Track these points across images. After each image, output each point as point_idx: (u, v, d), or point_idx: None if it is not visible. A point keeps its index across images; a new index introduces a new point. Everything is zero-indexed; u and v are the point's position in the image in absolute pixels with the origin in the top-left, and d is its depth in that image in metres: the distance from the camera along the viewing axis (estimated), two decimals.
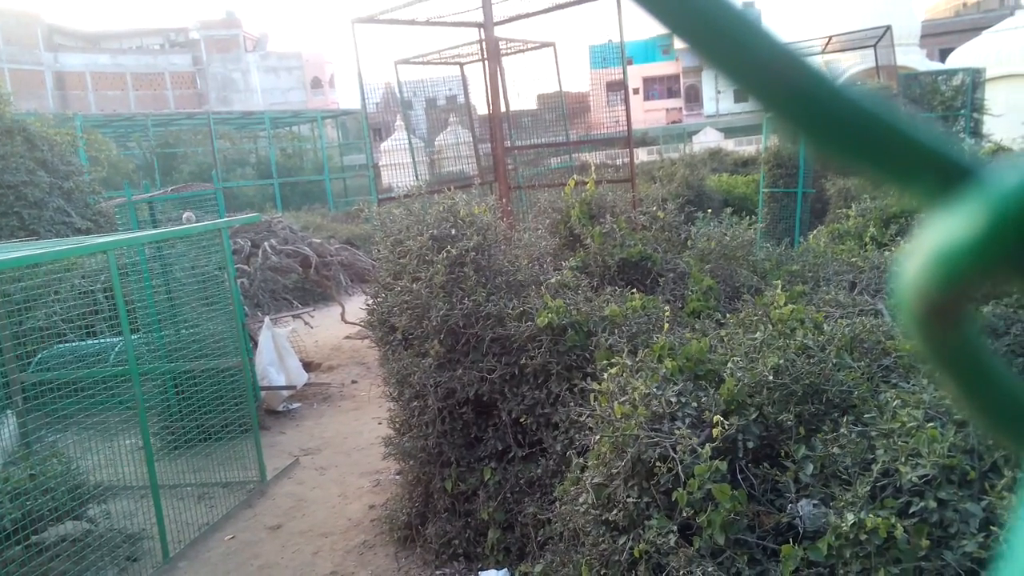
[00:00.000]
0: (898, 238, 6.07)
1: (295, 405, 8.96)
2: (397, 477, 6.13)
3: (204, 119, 30.33)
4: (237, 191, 28.95)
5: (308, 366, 10.13)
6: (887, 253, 5.48)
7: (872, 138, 0.16)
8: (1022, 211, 0.15)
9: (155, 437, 6.52)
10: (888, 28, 15.76)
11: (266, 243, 12.01)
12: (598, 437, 3.65)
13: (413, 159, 12.39)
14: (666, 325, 4.37)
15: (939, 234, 0.16)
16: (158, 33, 62.82)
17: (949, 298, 0.16)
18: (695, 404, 3.53)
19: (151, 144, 29.71)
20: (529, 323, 4.79)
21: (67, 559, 5.03)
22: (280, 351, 8.92)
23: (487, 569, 4.74)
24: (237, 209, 22.48)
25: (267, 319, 9.35)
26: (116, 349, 7.04)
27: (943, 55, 34.06)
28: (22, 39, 51.05)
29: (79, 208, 14.21)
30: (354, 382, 9.85)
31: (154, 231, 6.98)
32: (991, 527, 2.75)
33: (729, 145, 34.02)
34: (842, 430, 3.23)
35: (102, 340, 7.40)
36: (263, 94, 57.88)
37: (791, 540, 3.03)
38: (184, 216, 7.76)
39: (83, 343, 7.56)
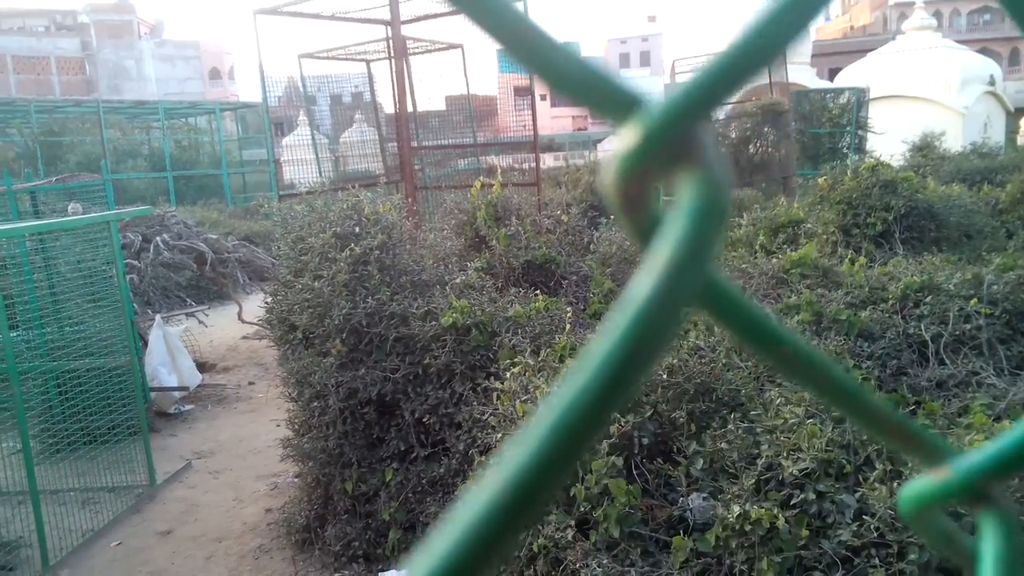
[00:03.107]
0: (785, 246, 6.40)
1: (187, 407, 8.64)
2: (295, 480, 6.01)
3: (93, 107, 28.80)
4: (128, 183, 27.64)
5: (202, 367, 9.79)
6: (775, 260, 5.77)
7: (581, 80, 0.24)
8: (661, 128, 0.22)
9: (35, 440, 6.15)
10: None
11: (158, 238, 11.53)
12: (500, 436, 3.70)
13: (317, 156, 12.16)
14: (568, 326, 4.47)
15: (620, 143, 0.23)
16: (43, 14, 59.25)
17: (628, 187, 0.23)
18: None
19: (34, 131, 27.98)
20: (433, 323, 4.80)
21: None
22: (172, 351, 8.59)
23: (387, 570, 4.72)
24: (128, 202, 21.45)
25: (158, 317, 8.97)
26: None
27: (832, 74, 35.99)
28: None
29: None
30: (251, 383, 9.57)
31: (37, 222, 6.60)
32: (864, 517, 2.95)
33: None
34: (730, 426, 3.39)
35: None
36: (158, 83, 55.48)
37: (682, 532, 3.16)
38: (70, 208, 7.37)
39: None
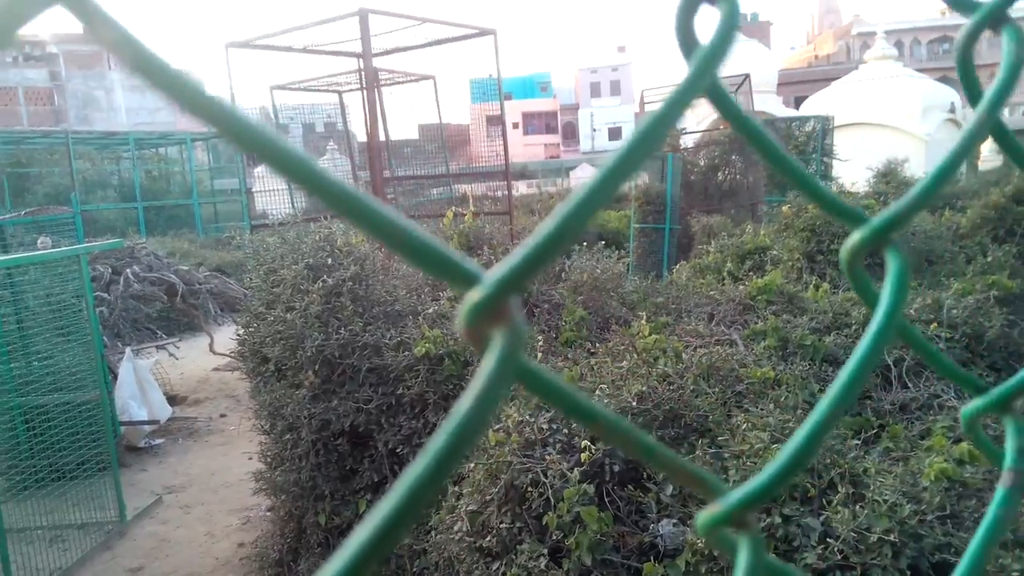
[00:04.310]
0: (751, 273, 6.52)
1: (158, 441, 8.54)
2: (268, 513, 5.96)
3: (62, 138, 28.55)
4: (97, 214, 27.36)
5: (173, 400, 9.69)
6: (742, 287, 5.88)
7: (436, 258, 0.33)
8: (488, 298, 0.32)
9: (1, 477, 6.05)
10: (747, 76, 16.94)
11: (128, 270, 11.45)
12: (473, 464, 3.73)
13: (289, 185, 12.18)
14: (539, 355, 4.52)
15: (464, 304, 0.33)
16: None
17: (470, 332, 0.33)
18: (566, 430, 3.68)
19: (0, 163, 27.67)
20: (406, 353, 4.83)
21: None
22: (142, 384, 8.50)
23: None
24: (97, 233, 21.25)
25: (128, 350, 8.89)
26: None
27: (798, 102, 36.80)
28: None
29: None
30: (223, 416, 9.49)
31: (5, 257, 6.55)
32: (828, 540, 3.02)
33: None
34: (698, 452, 3.45)
35: None
36: (128, 113, 55.17)
37: (653, 558, 3.20)
38: (39, 242, 7.32)
39: None
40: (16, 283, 6.74)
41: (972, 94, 0.56)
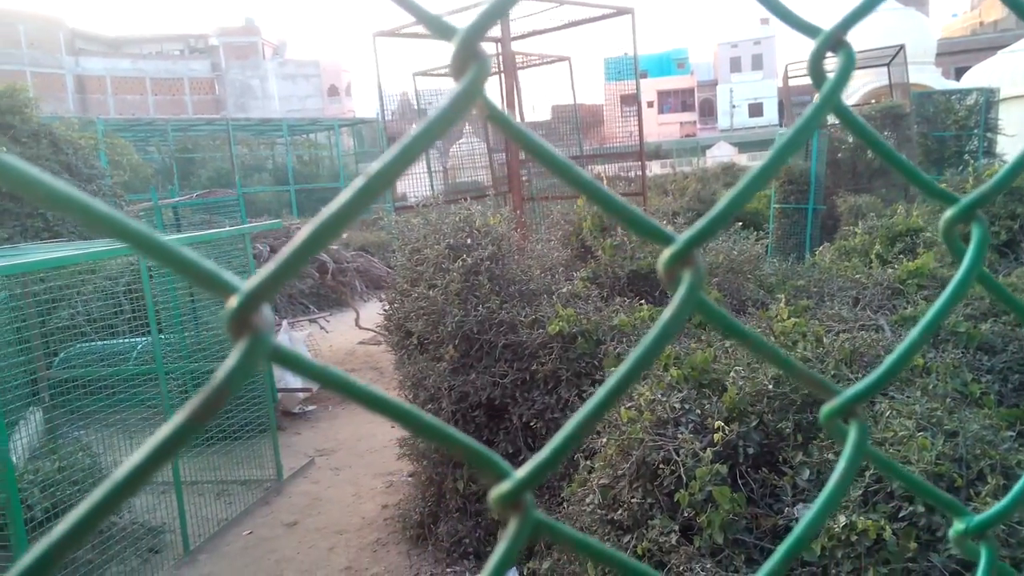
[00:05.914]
0: (902, 256, 6.21)
1: (311, 407, 9.17)
2: (410, 478, 6.31)
3: (223, 125, 30.73)
4: (254, 197, 29.32)
5: None
6: (890, 270, 5.63)
7: (642, 222, 0.44)
8: (679, 252, 0.44)
9: None
10: (901, 47, 15.89)
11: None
12: (605, 440, 3.83)
13: (428, 168, 12.62)
14: None
15: (663, 255, 0.45)
16: (178, 39, 63.64)
17: (667, 274, 0.45)
18: (698, 411, 3.70)
19: (170, 149, 30.12)
20: (540, 331, 4.97)
21: (91, 549, 5.22)
22: None
23: None
24: (254, 214, 22.78)
25: (284, 323, 9.57)
26: (138, 349, 7.25)
27: (959, 74, 34.10)
28: (45, 43, 51.92)
29: None
30: None
31: (183, 235, 7.21)
32: None
33: (743, 159, 34.18)
34: None
35: (125, 340, 7.62)
36: (280, 101, 58.47)
37: None
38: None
39: (106, 343, 7.78)
40: None
41: None
